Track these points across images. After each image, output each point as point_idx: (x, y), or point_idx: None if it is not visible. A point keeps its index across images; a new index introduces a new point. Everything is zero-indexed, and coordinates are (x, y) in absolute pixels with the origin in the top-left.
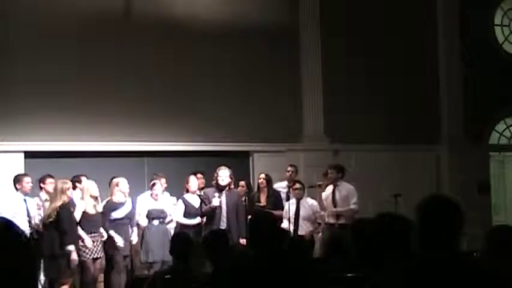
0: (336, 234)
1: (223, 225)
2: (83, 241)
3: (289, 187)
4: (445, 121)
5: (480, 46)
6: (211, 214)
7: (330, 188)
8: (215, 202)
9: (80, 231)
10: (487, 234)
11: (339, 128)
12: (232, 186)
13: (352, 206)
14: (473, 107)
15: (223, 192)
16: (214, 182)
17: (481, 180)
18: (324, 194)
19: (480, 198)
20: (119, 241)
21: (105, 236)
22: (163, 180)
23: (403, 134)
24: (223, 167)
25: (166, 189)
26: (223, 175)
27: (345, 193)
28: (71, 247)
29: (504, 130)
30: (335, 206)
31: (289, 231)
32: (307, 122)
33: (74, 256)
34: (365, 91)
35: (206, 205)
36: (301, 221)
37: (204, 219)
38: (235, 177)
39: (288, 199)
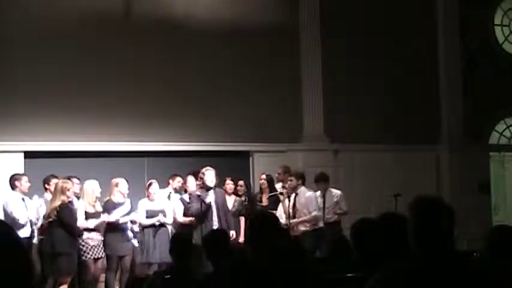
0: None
1: (215, 224)
2: (85, 241)
3: (283, 187)
4: (445, 121)
5: (480, 46)
6: (204, 213)
7: (292, 196)
8: (209, 199)
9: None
10: (487, 234)
11: (339, 128)
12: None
13: (314, 213)
14: (473, 107)
15: (211, 192)
16: (200, 182)
17: (481, 180)
18: (286, 202)
19: (480, 198)
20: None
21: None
22: (177, 179)
23: (403, 134)
24: (209, 168)
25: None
26: (211, 176)
27: (303, 201)
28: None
29: (504, 130)
30: (294, 214)
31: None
32: (307, 122)
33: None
34: (365, 91)
35: (205, 204)
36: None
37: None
38: (235, 177)
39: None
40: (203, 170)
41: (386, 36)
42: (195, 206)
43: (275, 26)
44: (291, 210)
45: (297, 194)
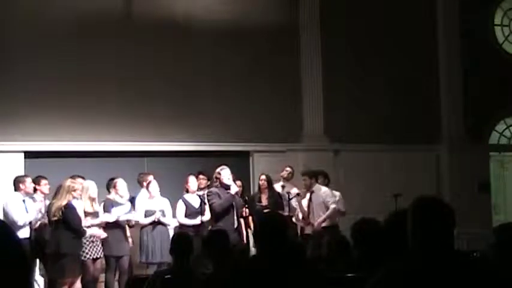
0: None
1: (235, 224)
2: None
3: (282, 187)
4: (445, 121)
5: (480, 46)
6: (227, 208)
7: (307, 196)
8: (234, 189)
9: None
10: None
11: (339, 127)
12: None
13: (332, 206)
14: (473, 107)
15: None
16: (217, 183)
17: (481, 180)
18: (304, 202)
19: (480, 198)
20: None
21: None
22: (150, 177)
23: (403, 134)
24: (224, 167)
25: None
26: (227, 174)
27: (320, 199)
28: (91, 230)
29: (504, 130)
30: (311, 213)
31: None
32: (307, 122)
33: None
34: (365, 91)
35: (205, 204)
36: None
37: (206, 218)
38: (236, 177)
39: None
40: (218, 169)
41: (386, 36)
42: (217, 200)
43: (275, 26)
44: (306, 209)
45: (312, 193)
